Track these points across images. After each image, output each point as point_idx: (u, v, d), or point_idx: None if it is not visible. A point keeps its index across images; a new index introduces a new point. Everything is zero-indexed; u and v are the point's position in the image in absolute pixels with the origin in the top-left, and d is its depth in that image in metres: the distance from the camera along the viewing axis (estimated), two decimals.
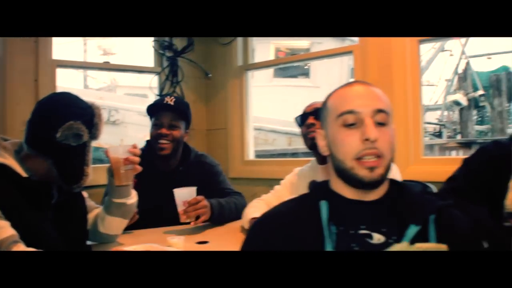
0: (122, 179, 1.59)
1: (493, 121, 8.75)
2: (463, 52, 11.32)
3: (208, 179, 2.22)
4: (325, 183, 1.08)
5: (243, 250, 1.06)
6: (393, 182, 1.07)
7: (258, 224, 1.10)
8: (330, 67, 7.15)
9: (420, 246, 0.89)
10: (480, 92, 8.40)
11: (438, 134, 10.22)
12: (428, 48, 11.49)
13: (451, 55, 11.63)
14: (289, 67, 7.60)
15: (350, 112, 0.99)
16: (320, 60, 3.39)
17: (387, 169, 0.99)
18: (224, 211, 2.05)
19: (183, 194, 1.87)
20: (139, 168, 1.61)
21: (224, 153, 3.26)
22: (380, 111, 0.99)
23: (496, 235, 1.47)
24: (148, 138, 2.26)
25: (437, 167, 2.03)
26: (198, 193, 1.92)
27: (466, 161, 1.71)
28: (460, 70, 10.29)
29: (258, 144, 6.49)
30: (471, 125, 9.02)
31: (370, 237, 0.97)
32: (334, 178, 1.04)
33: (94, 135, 1.50)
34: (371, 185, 0.98)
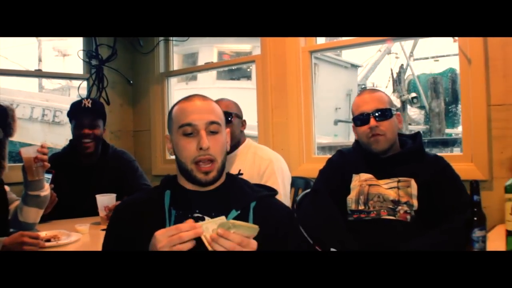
0: (34, 174, 1.86)
1: (431, 122, 9.22)
2: (411, 55, 11.77)
3: (127, 174, 2.49)
4: (174, 177, 1.34)
5: (107, 230, 1.32)
6: (229, 175, 1.34)
7: (117, 208, 1.38)
8: None
9: (233, 222, 1.06)
10: (413, 94, 8.85)
11: None
12: (374, 51, 11.97)
13: (396, 57, 12.10)
14: (232, 70, 7.91)
15: (189, 124, 1.21)
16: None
17: (220, 170, 1.25)
18: None
19: (104, 200, 2.13)
20: (47, 165, 1.88)
21: (148, 153, 3.56)
22: (212, 122, 1.23)
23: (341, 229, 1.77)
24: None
25: None
26: (118, 185, 2.23)
27: (320, 172, 2.03)
28: (401, 73, 10.74)
29: None
30: (405, 125, 9.44)
31: (203, 219, 1.22)
32: (179, 174, 1.31)
33: (8, 133, 1.82)
34: (207, 184, 1.25)
